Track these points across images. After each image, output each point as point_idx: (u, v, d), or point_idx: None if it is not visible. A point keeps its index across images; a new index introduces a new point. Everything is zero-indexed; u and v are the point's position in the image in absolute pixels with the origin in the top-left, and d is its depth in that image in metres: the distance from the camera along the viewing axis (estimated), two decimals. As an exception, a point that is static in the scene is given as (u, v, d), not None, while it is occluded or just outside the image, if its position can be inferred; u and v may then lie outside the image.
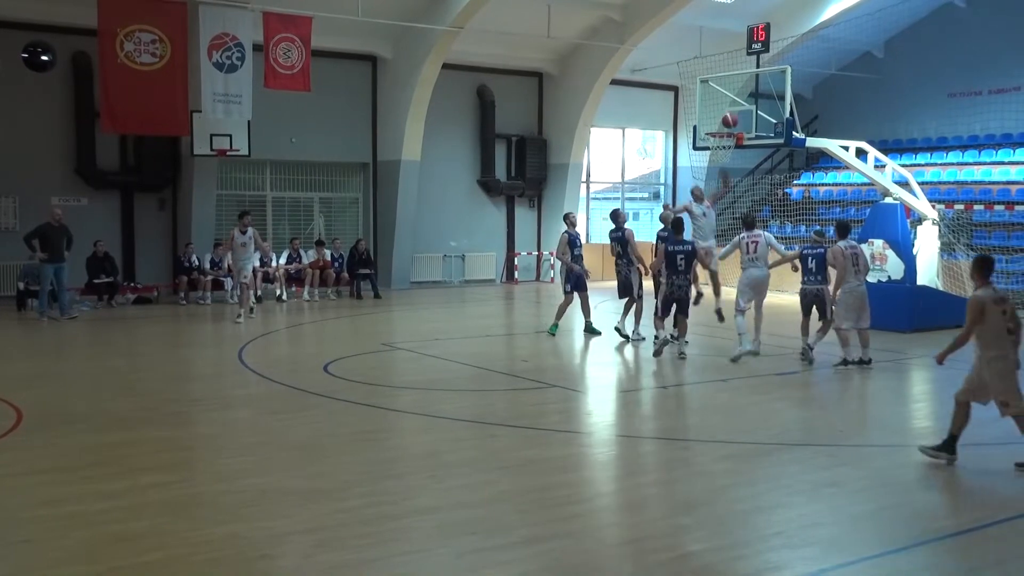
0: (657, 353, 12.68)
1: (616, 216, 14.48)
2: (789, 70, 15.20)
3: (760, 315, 12.96)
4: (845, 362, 11.77)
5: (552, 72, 24.53)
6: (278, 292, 19.57)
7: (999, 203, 21.66)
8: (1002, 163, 23.32)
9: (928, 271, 16.50)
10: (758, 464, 7.67)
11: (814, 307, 12.22)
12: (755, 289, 12.84)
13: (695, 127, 16.57)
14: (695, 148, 17.41)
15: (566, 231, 14.52)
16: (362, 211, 22.84)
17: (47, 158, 18.82)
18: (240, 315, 16.02)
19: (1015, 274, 19.16)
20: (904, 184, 16.66)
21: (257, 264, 19.50)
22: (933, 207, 16.97)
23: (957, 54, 24.43)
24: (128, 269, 19.64)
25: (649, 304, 13.81)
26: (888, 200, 16.10)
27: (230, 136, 18.88)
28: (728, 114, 15.80)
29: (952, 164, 24.21)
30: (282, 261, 20.04)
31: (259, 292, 19.29)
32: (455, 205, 23.81)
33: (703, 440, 8.62)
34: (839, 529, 6.13)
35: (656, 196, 28.57)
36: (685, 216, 14.21)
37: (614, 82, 24.17)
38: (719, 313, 13.73)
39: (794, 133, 15.19)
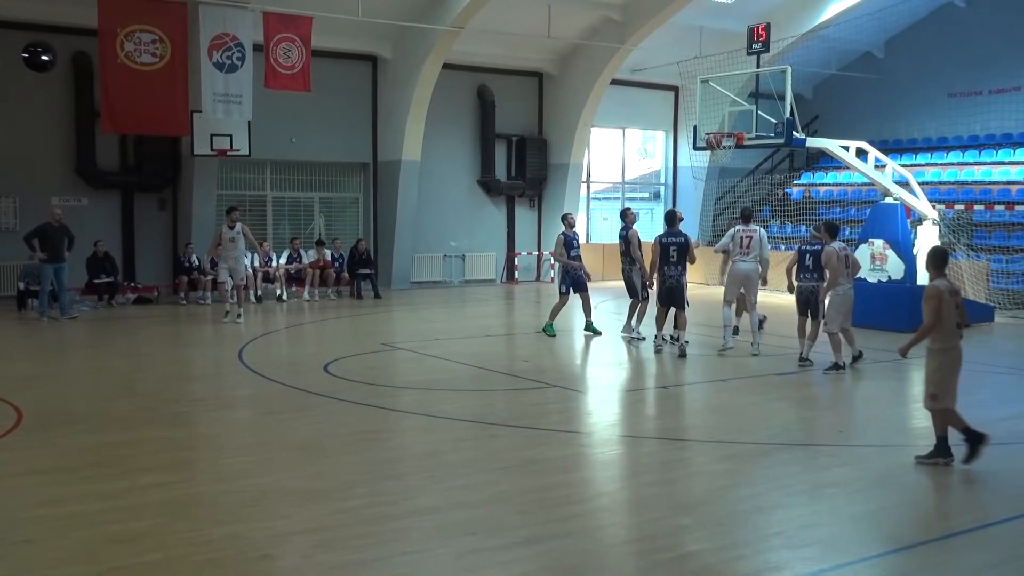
0: (658, 351, 12.73)
1: (623, 215, 14.57)
2: (789, 70, 15.20)
3: (753, 312, 12.96)
4: (836, 367, 11.59)
5: (552, 72, 24.54)
6: (278, 292, 19.58)
7: (999, 203, 21.67)
8: (1002, 163, 23.33)
9: (928, 271, 16.47)
10: (758, 464, 7.67)
11: (807, 307, 12.16)
12: (742, 283, 12.91)
13: (695, 127, 16.58)
14: (695, 148, 17.43)
15: (563, 232, 14.55)
16: (362, 211, 22.84)
17: (47, 158, 18.83)
18: (239, 315, 15.96)
19: (1015, 274, 19.16)
20: (904, 184, 16.66)
21: (257, 264, 19.58)
22: (933, 207, 16.97)
23: (957, 54, 24.45)
24: (128, 269, 19.64)
25: (649, 304, 13.84)
26: (888, 200, 16.10)
27: (230, 136, 18.88)
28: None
29: (952, 164, 24.22)
30: (282, 261, 20.05)
31: (259, 292, 19.34)
32: (455, 205, 23.82)
33: (703, 440, 8.62)
34: (839, 529, 6.14)
35: (656, 196, 28.58)
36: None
37: (614, 82, 24.18)
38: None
39: (794, 133, 15.19)
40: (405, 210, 21.96)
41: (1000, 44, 23.57)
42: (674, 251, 12.71)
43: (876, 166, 16.46)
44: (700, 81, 16.65)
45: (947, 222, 18.33)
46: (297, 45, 18.45)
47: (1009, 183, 22.47)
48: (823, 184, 26.12)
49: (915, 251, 16.06)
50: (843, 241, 12.83)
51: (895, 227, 15.83)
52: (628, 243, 14.12)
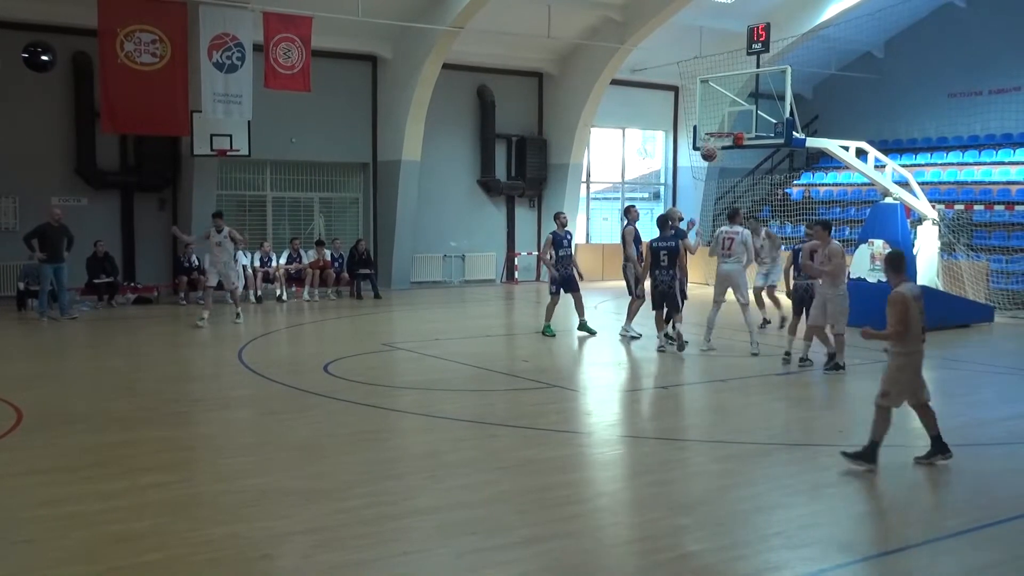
0: (660, 350, 12.79)
1: (626, 212, 14.69)
2: (789, 70, 15.20)
3: (747, 312, 12.97)
4: (837, 367, 11.54)
5: (552, 72, 24.54)
6: (278, 292, 19.58)
7: (999, 203, 21.67)
8: (1002, 163, 23.33)
9: (928, 271, 16.49)
10: (758, 464, 7.67)
11: (803, 306, 12.12)
12: (725, 284, 12.97)
13: (695, 127, 16.58)
14: (695, 148, 17.40)
15: (553, 231, 14.60)
16: (362, 211, 22.84)
17: (47, 158, 18.83)
18: (238, 314, 15.87)
19: (1015, 274, 19.15)
20: (904, 184, 16.66)
21: (258, 264, 19.58)
22: (933, 207, 16.98)
23: (957, 54, 24.45)
24: (128, 269, 19.64)
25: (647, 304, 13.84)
26: (888, 200, 16.10)
27: (230, 136, 18.88)
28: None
29: (952, 164, 24.22)
30: (282, 261, 20.05)
31: (259, 292, 19.34)
32: (455, 205, 23.82)
33: (703, 440, 8.62)
34: (839, 529, 6.14)
35: (656, 196, 28.58)
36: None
37: (614, 82, 24.18)
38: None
39: (794, 133, 15.20)
40: (405, 210, 21.96)
41: (1000, 44, 23.57)
42: (664, 255, 12.87)
43: (876, 166, 16.47)
44: (700, 81, 16.65)
45: (947, 222, 18.33)
46: (297, 45, 18.45)
47: (1009, 183, 22.47)
48: (823, 184, 26.12)
49: (915, 251, 16.08)
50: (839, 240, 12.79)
51: (895, 227, 15.81)
52: (623, 240, 14.23)
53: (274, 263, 19.86)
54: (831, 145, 16.24)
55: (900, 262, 7.60)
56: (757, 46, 15.82)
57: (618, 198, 27.50)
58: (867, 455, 7.28)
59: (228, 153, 19.06)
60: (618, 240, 14.90)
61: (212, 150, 18.85)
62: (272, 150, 20.62)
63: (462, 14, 19.76)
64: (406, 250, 22.38)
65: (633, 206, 15.27)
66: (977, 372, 12.29)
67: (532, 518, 6.22)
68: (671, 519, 6.30)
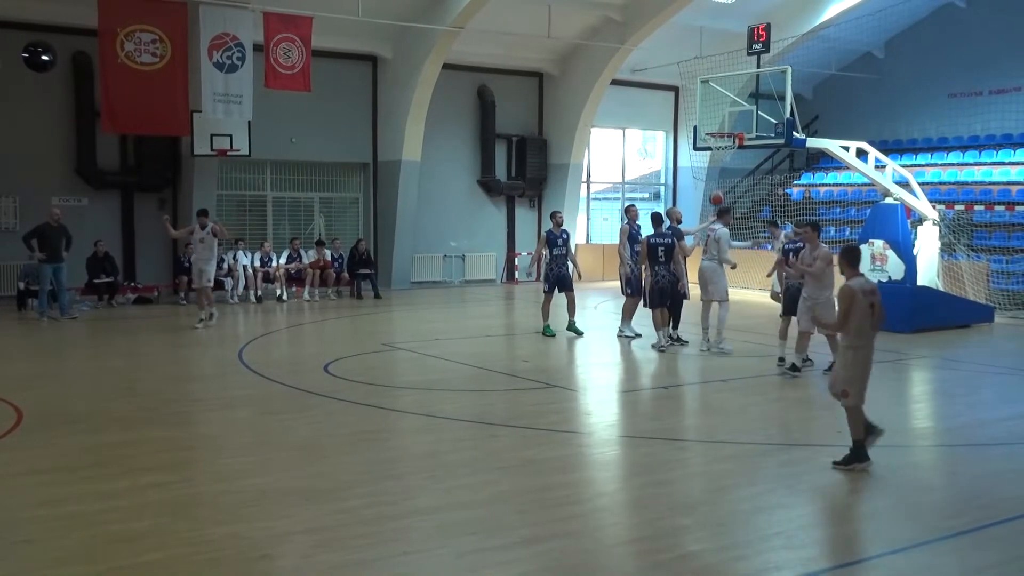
0: (661, 350, 12.81)
1: (626, 211, 14.75)
2: (789, 70, 15.21)
3: (723, 310, 12.96)
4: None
5: (552, 72, 24.54)
6: (278, 292, 19.59)
7: (999, 203, 21.67)
8: (1002, 163, 23.32)
9: (928, 271, 16.50)
10: (758, 464, 7.67)
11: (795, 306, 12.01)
12: (702, 280, 13.03)
13: (695, 127, 16.59)
14: (695, 148, 17.43)
15: (548, 229, 14.64)
16: (362, 211, 22.84)
17: (47, 158, 18.83)
18: (201, 320, 15.28)
19: (1015, 274, 19.15)
20: (904, 184, 16.67)
21: (258, 264, 19.58)
22: (933, 207, 16.98)
23: (957, 54, 24.45)
24: (128, 269, 19.64)
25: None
26: (888, 200, 16.10)
27: (230, 136, 18.88)
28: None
29: (952, 164, 24.22)
30: (282, 261, 20.05)
31: (259, 292, 19.34)
32: (455, 205, 23.82)
33: (703, 440, 8.62)
34: (839, 529, 6.14)
35: (656, 196, 28.58)
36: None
37: (614, 82, 24.18)
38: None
39: (794, 133, 15.20)
40: (405, 210, 21.96)
41: (1000, 44, 23.57)
42: (662, 251, 13.01)
43: (876, 166, 16.47)
44: (700, 81, 16.65)
45: (947, 222, 18.32)
46: (297, 45, 18.46)
47: (1009, 183, 22.46)
48: (823, 184, 26.11)
49: (915, 251, 16.08)
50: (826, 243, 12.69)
51: (895, 227, 15.82)
52: (620, 238, 14.31)
53: (274, 263, 19.86)
54: (831, 145, 16.24)
55: (854, 256, 7.65)
56: (757, 46, 15.84)
57: (618, 198, 27.50)
58: (856, 456, 7.28)
59: (228, 153, 19.06)
60: (617, 240, 14.93)
61: (212, 150, 18.85)
62: (272, 150, 20.62)
63: (462, 14, 19.76)
64: (406, 250, 22.38)
65: (633, 205, 15.30)
66: (977, 372, 12.29)
67: (532, 518, 6.22)
68: (671, 519, 6.30)
